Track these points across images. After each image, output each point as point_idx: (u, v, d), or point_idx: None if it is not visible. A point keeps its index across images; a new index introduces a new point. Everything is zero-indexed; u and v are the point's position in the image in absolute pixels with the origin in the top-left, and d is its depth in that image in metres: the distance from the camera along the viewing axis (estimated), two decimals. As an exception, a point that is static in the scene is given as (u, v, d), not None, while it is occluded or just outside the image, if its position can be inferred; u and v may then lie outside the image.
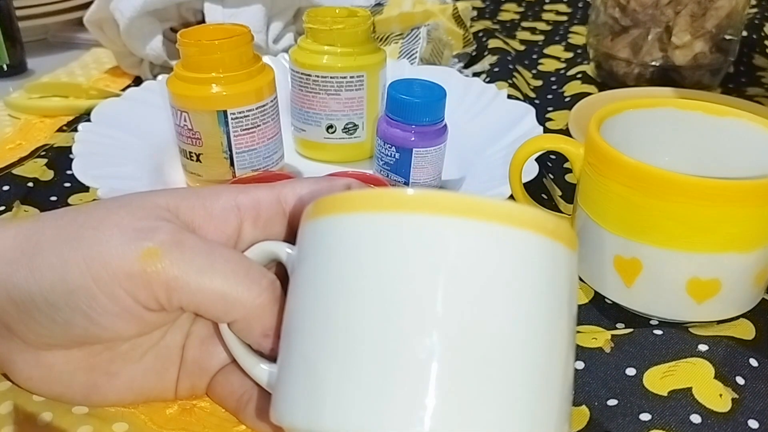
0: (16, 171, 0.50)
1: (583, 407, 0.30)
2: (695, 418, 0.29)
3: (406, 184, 0.45)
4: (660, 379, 0.31)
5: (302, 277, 0.23)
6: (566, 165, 0.52)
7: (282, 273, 0.27)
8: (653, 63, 0.64)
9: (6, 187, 0.48)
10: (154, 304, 0.24)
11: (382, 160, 0.46)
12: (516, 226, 0.21)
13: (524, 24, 0.90)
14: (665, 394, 0.30)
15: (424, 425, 0.19)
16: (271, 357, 0.26)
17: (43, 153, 0.53)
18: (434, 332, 0.20)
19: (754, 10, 0.90)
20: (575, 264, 0.23)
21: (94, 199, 0.47)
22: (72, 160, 0.43)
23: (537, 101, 0.65)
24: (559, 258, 0.22)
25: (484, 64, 0.70)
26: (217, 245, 0.25)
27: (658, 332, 0.33)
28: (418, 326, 0.20)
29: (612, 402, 0.30)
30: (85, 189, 0.48)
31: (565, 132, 0.56)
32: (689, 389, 0.30)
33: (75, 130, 0.50)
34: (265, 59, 0.50)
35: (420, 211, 0.21)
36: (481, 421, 0.20)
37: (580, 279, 0.38)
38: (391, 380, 0.20)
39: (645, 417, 0.29)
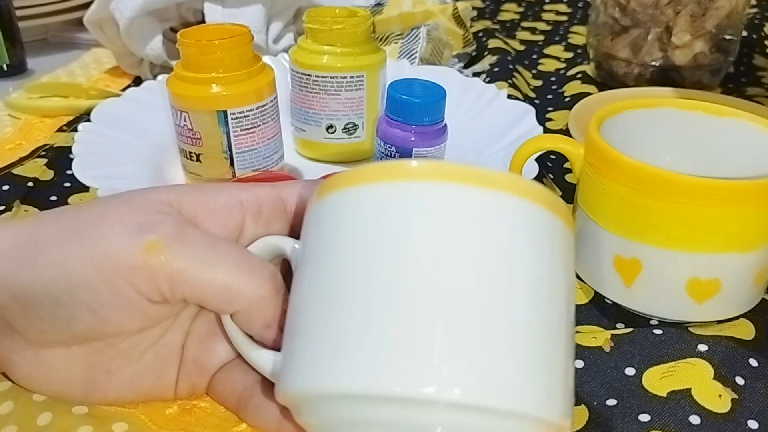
0: (16, 171, 0.50)
1: (583, 407, 0.30)
2: (694, 419, 0.29)
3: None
4: (659, 380, 0.31)
5: (309, 254, 0.23)
6: (566, 165, 0.52)
7: (284, 269, 0.27)
8: (653, 63, 0.64)
9: (6, 187, 0.48)
10: (158, 296, 0.24)
11: (382, 161, 0.46)
12: (518, 195, 0.22)
13: (524, 24, 0.90)
14: (664, 395, 0.30)
15: (430, 385, 0.19)
16: (273, 348, 0.26)
17: (43, 153, 0.53)
18: (439, 295, 0.20)
19: (754, 10, 0.90)
20: (572, 242, 0.24)
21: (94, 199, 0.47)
22: (72, 160, 0.43)
23: (537, 101, 0.65)
24: (558, 230, 0.23)
25: (484, 64, 0.70)
26: (219, 238, 0.26)
27: (658, 332, 0.33)
28: (423, 289, 0.20)
29: (611, 402, 0.30)
30: (85, 189, 0.48)
31: (565, 132, 0.56)
32: (688, 390, 0.30)
33: (75, 130, 0.50)
34: (265, 59, 0.50)
35: (423, 179, 0.21)
36: (486, 382, 0.20)
37: (580, 279, 0.38)
38: (398, 341, 0.20)
39: (644, 418, 0.29)
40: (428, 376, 0.19)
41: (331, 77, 0.48)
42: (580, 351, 0.33)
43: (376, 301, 0.21)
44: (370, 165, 0.23)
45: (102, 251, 0.24)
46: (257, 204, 0.27)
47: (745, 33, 0.78)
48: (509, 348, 0.20)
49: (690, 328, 0.34)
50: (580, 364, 0.32)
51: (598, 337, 0.34)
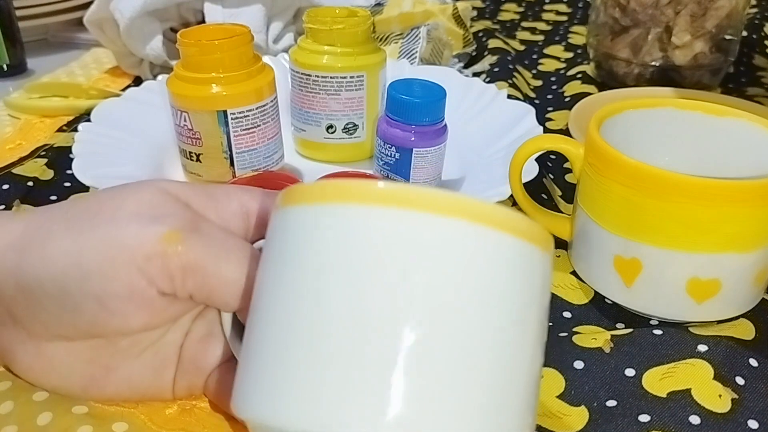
0: (15, 170, 0.50)
1: (582, 407, 0.30)
2: (694, 419, 0.29)
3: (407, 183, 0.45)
4: (659, 381, 0.31)
5: (270, 268, 0.22)
6: (566, 165, 0.52)
7: None
8: (653, 63, 0.64)
9: (6, 186, 0.48)
10: (169, 286, 0.24)
11: (382, 160, 0.46)
12: (487, 225, 0.20)
13: (524, 24, 0.90)
14: (664, 396, 0.30)
15: (385, 427, 0.19)
16: None
17: (43, 153, 0.53)
18: (399, 331, 0.19)
19: (754, 10, 0.90)
20: (548, 265, 0.23)
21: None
22: (72, 159, 0.43)
23: (537, 101, 0.65)
24: (530, 259, 0.21)
25: (484, 64, 0.70)
26: (231, 235, 0.26)
27: (658, 332, 0.33)
28: (382, 324, 0.19)
29: (611, 403, 0.30)
30: (85, 189, 0.47)
31: (565, 132, 0.56)
32: (688, 390, 0.30)
33: (75, 130, 0.50)
34: (265, 59, 0.50)
35: (388, 204, 0.20)
36: (444, 425, 0.19)
37: (580, 279, 0.38)
38: (354, 379, 0.19)
39: (644, 418, 0.29)
40: (382, 421, 0.19)
41: (331, 77, 0.48)
42: (580, 352, 0.33)
43: (334, 336, 0.20)
44: (334, 182, 0.21)
45: (118, 241, 0.24)
46: (263, 216, 0.27)
47: (745, 33, 0.78)
48: (467, 393, 0.20)
49: (690, 328, 0.34)
50: (580, 365, 0.32)
51: (598, 337, 0.34)
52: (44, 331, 0.26)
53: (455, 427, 0.19)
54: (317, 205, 0.21)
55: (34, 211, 0.27)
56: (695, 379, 0.31)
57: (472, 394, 0.20)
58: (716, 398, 0.30)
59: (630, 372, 0.32)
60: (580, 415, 0.30)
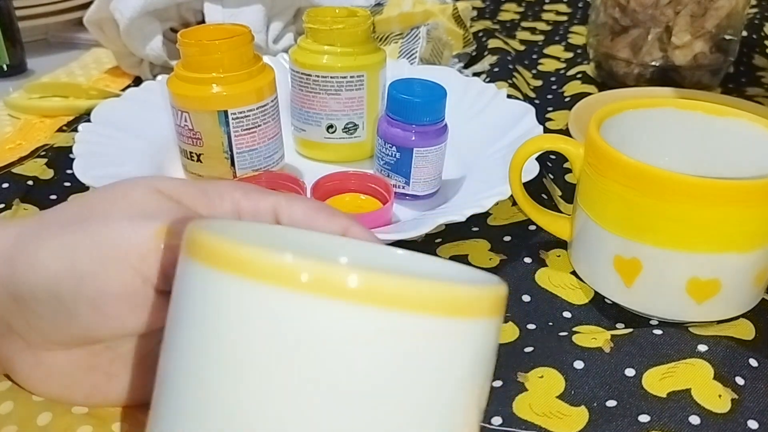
0: (15, 170, 0.50)
1: (582, 408, 0.30)
2: (694, 420, 0.29)
3: (407, 183, 0.45)
4: (659, 381, 0.31)
5: (171, 321, 0.20)
6: (566, 165, 0.52)
7: None
8: (653, 63, 0.64)
9: (5, 185, 0.48)
10: (164, 282, 0.24)
11: (382, 160, 0.46)
12: (400, 310, 0.17)
13: (524, 24, 0.90)
14: (664, 396, 0.30)
15: None
16: None
17: (43, 153, 0.53)
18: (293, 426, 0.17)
19: (754, 10, 0.90)
20: (482, 332, 0.19)
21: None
22: (72, 160, 0.43)
23: (537, 101, 0.65)
24: (458, 335, 0.18)
25: (484, 64, 0.70)
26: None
27: (658, 332, 0.33)
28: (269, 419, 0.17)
29: (611, 403, 0.30)
30: (85, 189, 0.47)
31: (565, 132, 0.56)
32: (688, 390, 0.30)
33: (75, 130, 0.50)
34: (266, 59, 0.50)
35: (298, 289, 0.17)
36: None
37: (580, 279, 0.38)
38: None
39: (644, 418, 0.29)
40: None
41: (331, 77, 0.48)
42: (580, 352, 0.33)
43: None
44: (245, 247, 0.18)
45: (110, 240, 0.24)
46: (255, 214, 0.27)
47: (745, 33, 0.78)
48: None
49: (690, 329, 0.34)
50: (580, 364, 0.32)
51: (597, 337, 0.34)
52: (41, 340, 0.26)
53: None
54: (218, 272, 0.18)
55: (27, 219, 0.26)
56: (695, 379, 0.31)
57: None
58: (716, 398, 0.30)
59: (630, 372, 0.32)
60: (580, 416, 0.30)
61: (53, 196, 0.48)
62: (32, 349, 0.26)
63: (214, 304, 0.18)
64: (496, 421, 0.30)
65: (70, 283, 0.24)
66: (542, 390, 0.31)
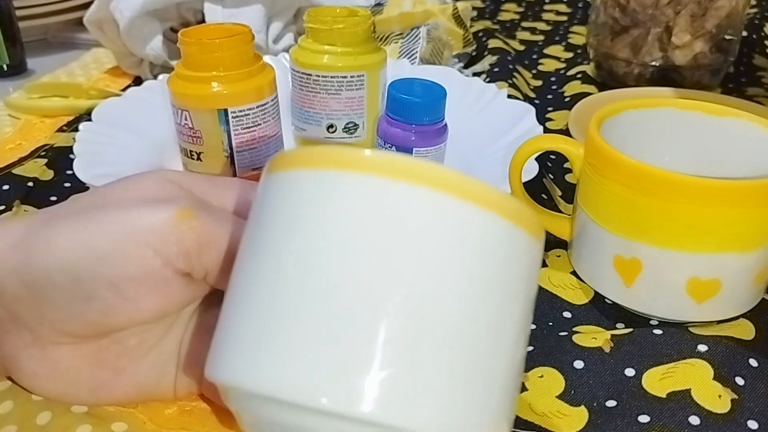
0: (16, 171, 0.50)
1: (582, 408, 0.30)
2: (694, 420, 0.29)
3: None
4: (659, 381, 0.31)
5: (255, 231, 0.22)
6: (566, 165, 0.52)
7: None
8: (653, 63, 0.64)
9: (6, 187, 0.48)
10: (185, 263, 0.24)
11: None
12: (476, 204, 0.20)
13: (524, 24, 0.90)
14: (664, 396, 0.30)
15: (362, 406, 0.18)
16: None
17: (44, 153, 0.53)
18: (382, 306, 0.19)
19: (754, 10, 0.90)
20: (536, 251, 0.22)
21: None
22: (72, 160, 0.43)
23: (537, 101, 0.65)
24: (518, 243, 0.21)
25: (484, 64, 0.70)
26: (234, 216, 0.26)
27: (658, 332, 0.33)
28: (365, 299, 0.19)
29: (611, 403, 0.30)
30: (86, 189, 0.47)
31: (565, 132, 0.56)
32: (688, 391, 0.30)
33: (75, 130, 0.50)
34: (266, 59, 0.50)
35: (378, 173, 0.20)
36: (421, 410, 0.19)
37: (580, 279, 0.38)
38: (330, 352, 0.19)
39: (643, 419, 0.29)
40: (360, 400, 0.18)
41: (331, 77, 0.48)
42: (580, 351, 0.33)
43: (316, 305, 0.19)
44: (325, 147, 0.21)
45: (130, 223, 0.24)
46: None
47: (745, 33, 0.78)
48: (447, 379, 0.19)
49: (690, 329, 0.34)
50: (579, 364, 0.32)
51: (598, 337, 0.34)
52: (51, 330, 0.26)
53: (432, 413, 0.19)
54: (299, 171, 0.21)
55: (34, 212, 0.26)
56: (695, 379, 0.31)
57: (449, 378, 0.19)
58: (716, 399, 0.30)
59: (630, 372, 0.32)
60: (579, 416, 0.30)
61: (53, 197, 0.48)
62: (40, 343, 0.26)
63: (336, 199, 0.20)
64: (496, 420, 0.30)
65: (89, 264, 0.24)
66: (542, 390, 0.31)
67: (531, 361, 0.33)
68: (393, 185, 0.20)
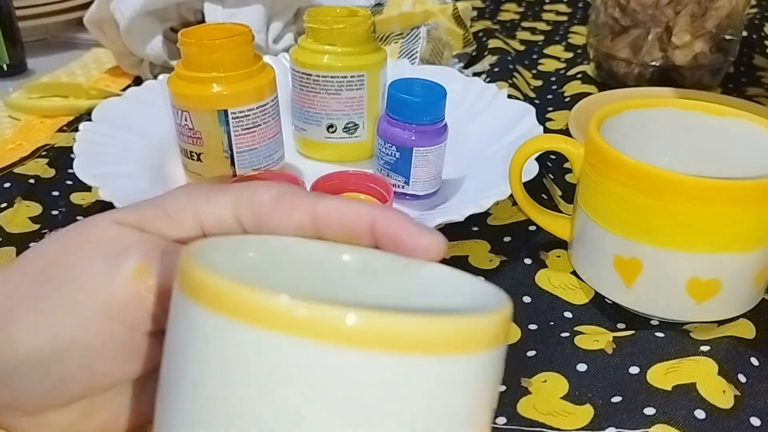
0: (17, 170, 0.50)
1: (587, 405, 0.30)
2: (699, 414, 0.29)
3: (407, 183, 0.45)
4: (664, 375, 0.31)
5: (170, 360, 0.19)
6: (566, 165, 0.52)
7: None
8: (653, 63, 0.64)
9: (7, 185, 0.48)
10: (152, 323, 0.23)
11: (382, 160, 0.46)
12: (377, 350, 0.16)
13: (524, 24, 0.90)
14: (669, 389, 0.30)
15: None
16: None
17: (44, 153, 0.53)
18: None
19: (754, 10, 0.90)
20: (488, 361, 0.18)
21: (96, 199, 0.47)
22: (73, 159, 0.43)
23: (537, 101, 0.65)
24: (446, 374, 0.17)
25: (484, 64, 0.70)
26: None
27: (660, 334, 0.33)
28: None
29: (616, 399, 0.30)
30: (87, 188, 0.48)
31: (565, 132, 0.56)
32: (693, 384, 0.30)
33: (75, 130, 0.50)
34: (266, 59, 0.50)
35: (304, 334, 0.16)
36: None
37: (581, 279, 0.38)
38: None
39: (649, 411, 0.29)
40: None
41: (331, 77, 0.48)
42: (583, 354, 0.33)
43: None
44: (250, 289, 0.17)
45: (86, 299, 0.22)
46: (221, 229, 0.25)
47: (745, 33, 0.78)
48: None
49: (691, 333, 0.34)
50: (583, 367, 0.32)
51: (600, 339, 0.34)
52: (36, 407, 0.24)
53: None
54: (224, 319, 0.17)
55: None
56: (700, 373, 0.31)
57: None
58: (720, 394, 0.30)
59: (634, 369, 0.32)
60: (585, 412, 0.30)
61: (55, 192, 0.48)
62: (29, 415, 0.25)
63: (213, 346, 0.17)
64: (501, 420, 0.30)
65: (53, 353, 0.23)
66: (546, 393, 0.31)
67: (534, 367, 0.33)
68: (301, 345, 0.16)
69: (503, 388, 0.31)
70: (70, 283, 0.23)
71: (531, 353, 0.34)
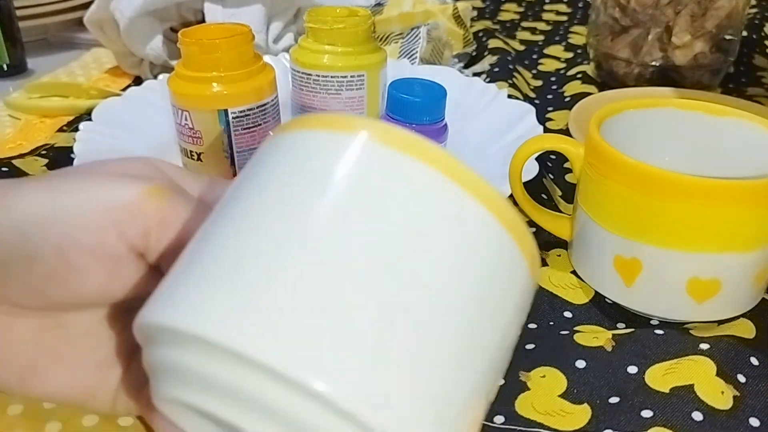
0: (17, 162, 0.50)
1: (585, 405, 0.30)
2: (697, 416, 0.29)
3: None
4: (662, 376, 0.31)
5: (236, 188, 0.21)
6: (566, 165, 0.52)
7: None
8: (653, 63, 0.64)
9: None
10: (141, 241, 0.23)
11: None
12: (482, 203, 0.19)
13: (524, 24, 0.90)
14: (667, 391, 0.30)
15: (317, 380, 0.17)
16: None
17: (44, 152, 0.53)
18: (353, 273, 0.18)
19: (754, 10, 0.90)
20: (530, 280, 0.21)
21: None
22: (72, 160, 0.43)
23: (537, 101, 0.65)
24: (519, 273, 0.21)
25: (484, 64, 0.70)
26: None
27: (660, 332, 0.33)
28: (346, 262, 0.18)
29: (614, 399, 0.30)
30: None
31: (565, 132, 0.56)
32: (691, 386, 0.30)
33: (75, 130, 0.50)
34: (266, 59, 0.50)
35: (384, 143, 0.19)
36: (372, 395, 0.17)
37: (581, 279, 0.38)
38: (296, 312, 0.17)
39: (647, 414, 0.29)
40: (316, 371, 0.17)
41: (331, 77, 0.48)
42: (582, 351, 0.33)
43: (289, 254, 0.18)
44: (333, 114, 0.21)
45: (94, 192, 0.23)
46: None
47: (745, 33, 0.78)
48: (407, 369, 0.18)
49: (691, 331, 0.34)
50: (581, 364, 0.32)
51: (599, 337, 0.34)
52: (17, 305, 0.24)
53: (380, 403, 0.17)
54: (300, 131, 0.20)
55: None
56: (698, 375, 0.31)
57: (411, 372, 0.18)
58: (719, 395, 0.30)
59: (632, 369, 0.32)
60: (582, 413, 0.30)
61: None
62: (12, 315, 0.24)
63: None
64: (499, 419, 0.30)
65: (40, 225, 0.22)
66: (544, 389, 0.31)
67: (533, 362, 0.33)
68: (398, 156, 0.19)
69: (501, 382, 0.31)
70: (85, 180, 0.24)
71: (530, 346, 0.34)
